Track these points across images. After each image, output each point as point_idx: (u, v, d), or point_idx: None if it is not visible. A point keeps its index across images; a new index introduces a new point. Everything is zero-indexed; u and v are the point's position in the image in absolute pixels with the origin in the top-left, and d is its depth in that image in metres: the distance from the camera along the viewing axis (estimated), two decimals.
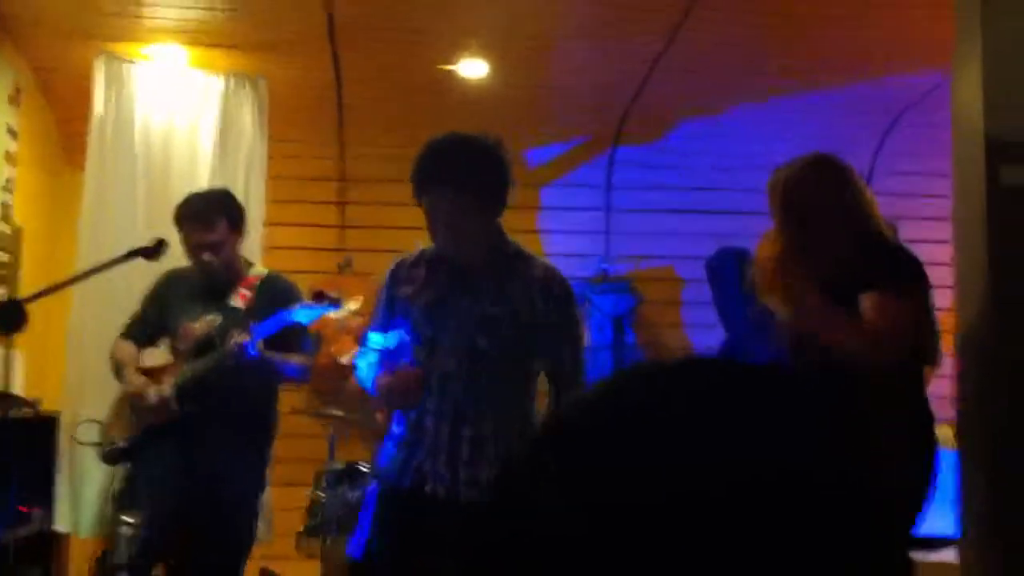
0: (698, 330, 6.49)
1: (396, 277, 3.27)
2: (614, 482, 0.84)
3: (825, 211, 3.32)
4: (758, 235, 6.44)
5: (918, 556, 3.27)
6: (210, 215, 4.00)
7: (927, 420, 3.29)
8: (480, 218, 3.13)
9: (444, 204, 3.07)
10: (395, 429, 3.24)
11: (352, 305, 4.06)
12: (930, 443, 3.25)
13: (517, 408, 3.18)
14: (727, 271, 6.29)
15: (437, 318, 3.14)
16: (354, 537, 3.35)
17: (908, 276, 3.29)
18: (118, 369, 4.07)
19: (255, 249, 5.11)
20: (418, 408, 3.15)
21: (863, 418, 3.11)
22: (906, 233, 4.89)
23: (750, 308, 6.26)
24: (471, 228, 3.12)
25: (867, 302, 3.16)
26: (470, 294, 3.15)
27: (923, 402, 3.33)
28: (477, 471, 3.06)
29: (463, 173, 3.08)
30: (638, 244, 6.58)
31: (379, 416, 4.42)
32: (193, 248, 4.01)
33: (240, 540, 4.00)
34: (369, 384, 3.25)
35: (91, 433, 4.18)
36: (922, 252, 3.62)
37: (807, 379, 3.08)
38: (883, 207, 3.62)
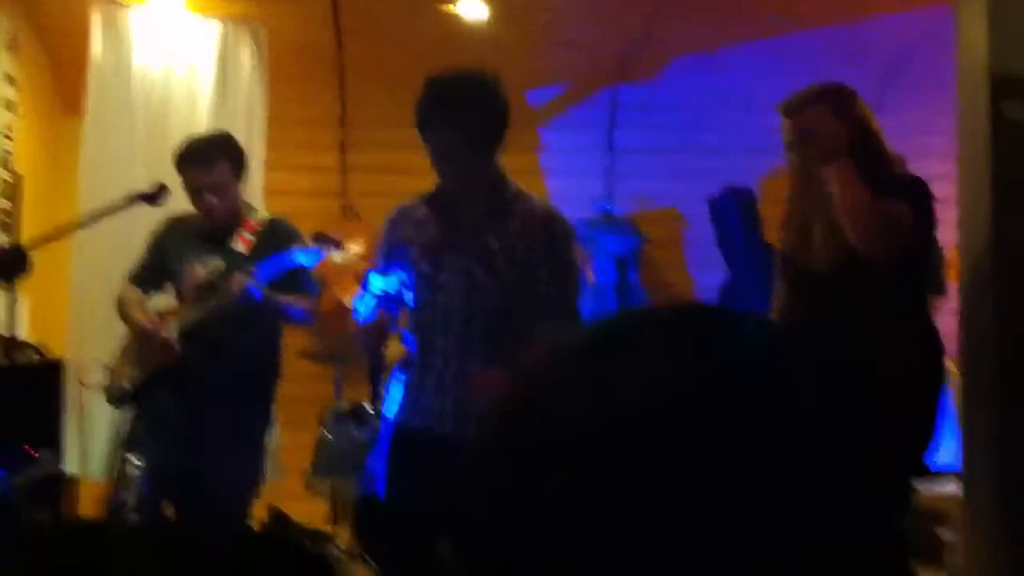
0: (702, 269, 6.50)
1: (396, 221, 3.29)
2: (594, 445, 0.84)
3: (836, 138, 3.30)
4: (761, 174, 6.46)
5: (921, 487, 3.30)
6: (211, 157, 3.99)
7: (936, 350, 3.29)
8: (479, 153, 3.15)
9: (444, 140, 3.10)
10: (401, 370, 3.26)
11: (355, 248, 4.06)
12: (939, 374, 3.25)
13: (520, 342, 3.17)
14: (730, 210, 6.32)
15: (437, 256, 3.16)
16: (366, 478, 3.39)
17: (919, 195, 3.28)
18: (124, 312, 4.08)
19: (256, 194, 5.10)
20: (423, 347, 3.17)
21: (869, 357, 3.13)
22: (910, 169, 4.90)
23: (754, 246, 6.29)
24: (470, 163, 3.14)
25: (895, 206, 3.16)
26: (470, 231, 3.17)
27: (932, 331, 3.33)
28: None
29: (461, 109, 3.10)
30: (641, 184, 6.55)
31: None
32: (195, 191, 4.00)
33: (248, 480, 4.04)
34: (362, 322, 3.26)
35: (97, 376, 4.20)
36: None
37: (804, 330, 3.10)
38: (887, 143, 3.60)
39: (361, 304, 3.29)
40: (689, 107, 6.46)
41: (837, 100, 3.33)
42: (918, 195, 3.27)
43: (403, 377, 3.25)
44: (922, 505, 3.27)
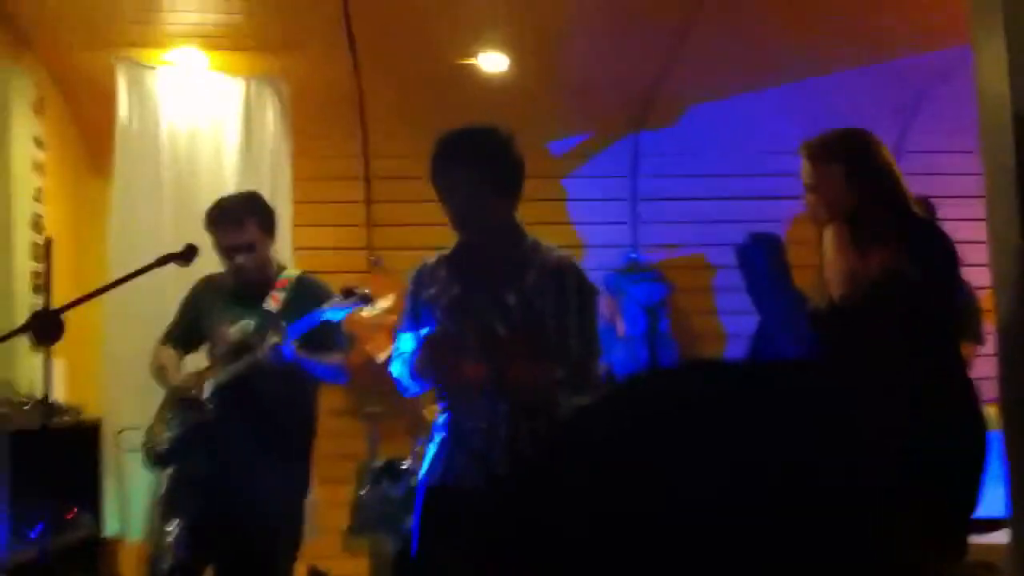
0: (732, 316, 6.47)
1: (420, 280, 3.30)
2: (623, 490, 0.84)
3: (843, 201, 3.31)
4: (787, 219, 6.45)
5: (973, 538, 3.26)
6: (241, 216, 4.01)
7: (973, 400, 3.27)
8: (495, 205, 3.18)
9: (458, 191, 3.12)
10: (435, 426, 3.26)
11: (384, 302, 4.08)
12: (978, 424, 3.22)
13: (541, 397, 3.17)
14: (758, 257, 6.28)
15: (459, 312, 3.17)
16: (403, 535, 3.38)
17: (940, 251, 3.26)
18: (160, 374, 4.09)
19: (284, 250, 5.13)
20: (449, 405, 3.17)
21: (898, 408, 3.10)
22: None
23: (783, 291, 6.25)
24: (487, 215, 3.17)
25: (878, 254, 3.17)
26: (488, 285, 3.18)
27: (967, 381, 3.31)
28: (513, 463, 3.07)
29: (476, 160, 3.13)
30: (667, 232, 6.56)
31: (424, 412, 4.43)
32: (226, 250, 4.02)
33: (287, 539, 4.02)
34: (406, 383, 3.28)
35: (134, 439, 4.21)
36: (953, 231, 3.60)
37: (828, 373, 3.08)
38: (911, 186, 3.60)
39: (395, 365, 3.30)
40: (711, 153, 6.47)
41: (853, 157, 3.33)
42: (932, 245, 3.26)
43: (435, 435, 3.25)
44: (970, 555, 3.23)
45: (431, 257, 3.34)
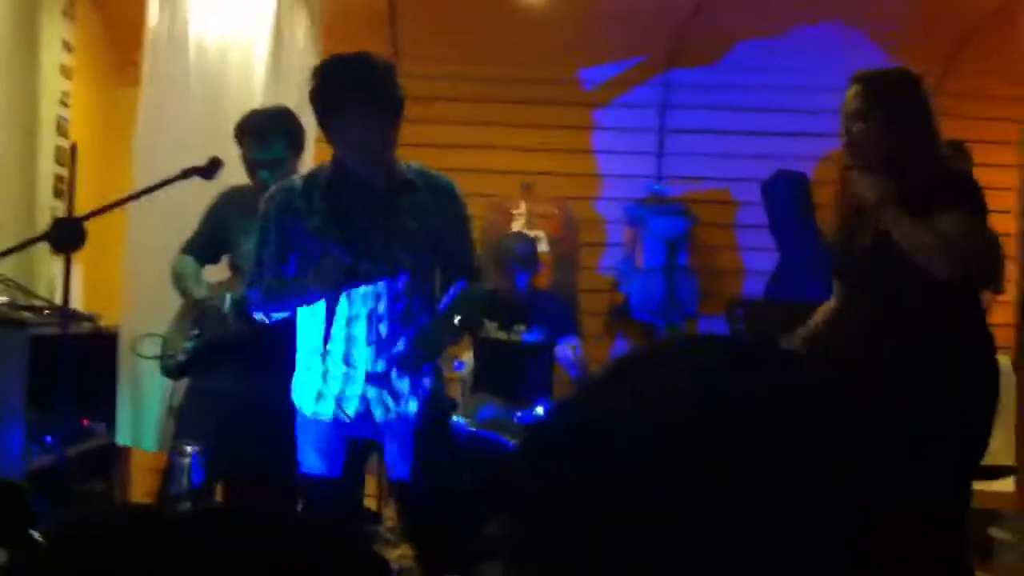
0: (753, 253, 6.44)
1: (286, 206, 3.29)
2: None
3: (898, 128, 3.27)
4: (814, 157, 6.40)
5: (978, 484, 3.27)
6: (270, 132, 4.00)
7: (987, 348, 3.25)
8: (391, 134, 3.20)
9: (361, 120, 3.12)
10: (311, 357, 3.34)
11: None
12: (990, 372, 3.21)
13: (430, 316, 3.29)
14: (783, 194, 6.25)
15: (356, 243, 3.18)
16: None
17: (973, 201, 3.23)
18: (180, 282, 4.11)
19: (307, 166, 5.10)
20: (344, 337, 3.23)
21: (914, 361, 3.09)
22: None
23: (806, 230, 6.23)
24: (385, 145, 3.19)
25: (946, 219, 3.13)
26: (386, 215, 3.20)
27: (983, 328, 3.30)
28: (413, 387, 3.24)
29: (378, 89, 3.14)
30: (693, 166, 6.50)
31: None
32: (252, 164, 4.01)
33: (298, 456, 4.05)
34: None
35: (152, 347, 4.24)
36: (986, 177, 3.56)
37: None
38: (948, 131, 3.55)
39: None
40: (743, 89, 6.39)
41: (894, 104, 3.28)
42: (961, 194, 3.22)
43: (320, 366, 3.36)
44: (976, 502, 3.24)
45: (290, 180, 3.44)
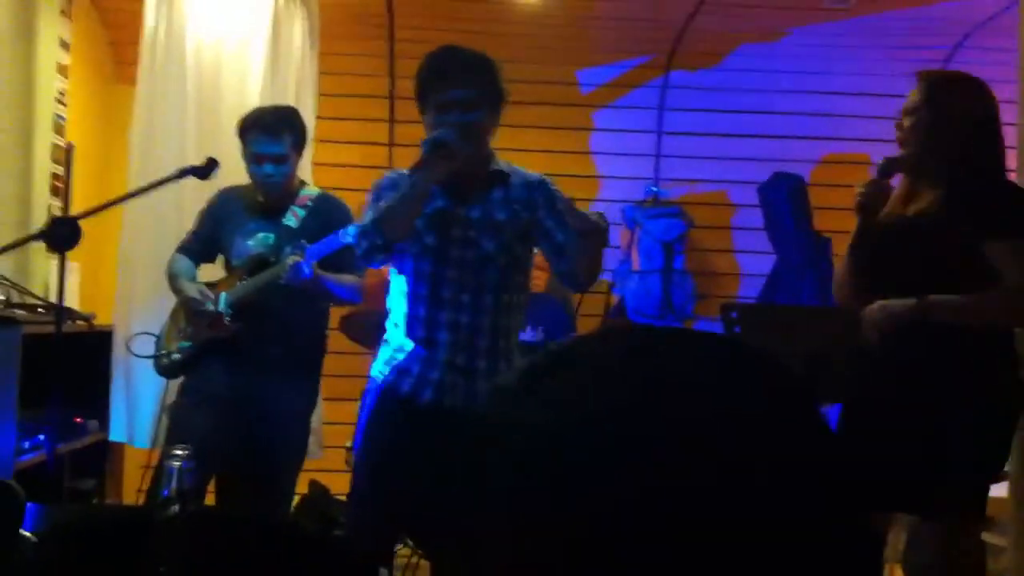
0: (749, 256, 6.45)
1: (388, 188, 3.23)
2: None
3: (951, 124, 3.16)
4: (811, 161, 6.40)
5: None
6: (278, 127, 4.00)
7: (1006, 348, 3.20)
8: (490, 123, 3.19)
9: (459, 105, 3.11)
10: (398, 340, 3.24)
11: None
12: (1007, 375, 3.15)
13: (519, 312, 3.26)
14: (780, 197, 6.26)
15: (443, 227, 3.15)
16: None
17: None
18: (174, 282, 4.11)
19: (306, 166, 5.11)
20: (427, 322, 3.16)
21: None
22: None
23: (802, 234, 6.23)
24: (484, 132, 3.18)
25: (1002, 251, 3.03)
26: (474, 202, 3.18)
27: (1008, 340, 3.23)
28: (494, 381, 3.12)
29: (480, 75, 3.15)
30: (690, 168, 6.50)
31: None
32: (257, 158, 3.99)
33: (292, 457, 4.06)
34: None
35: (146, 346, 4.24)
36: None
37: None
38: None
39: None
40: (741, 92, 6.39)
41: (946, 103, 3.18)
42: (1017, 218, 3.09)
43: (403, 348, 3.24)
44: None
45: (394, 171, 3.33)
